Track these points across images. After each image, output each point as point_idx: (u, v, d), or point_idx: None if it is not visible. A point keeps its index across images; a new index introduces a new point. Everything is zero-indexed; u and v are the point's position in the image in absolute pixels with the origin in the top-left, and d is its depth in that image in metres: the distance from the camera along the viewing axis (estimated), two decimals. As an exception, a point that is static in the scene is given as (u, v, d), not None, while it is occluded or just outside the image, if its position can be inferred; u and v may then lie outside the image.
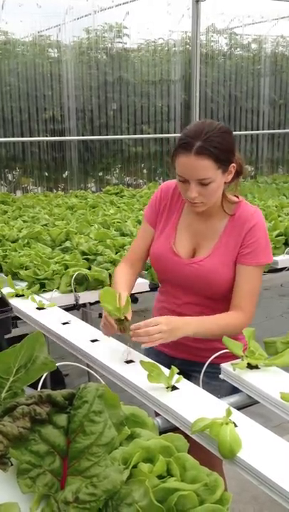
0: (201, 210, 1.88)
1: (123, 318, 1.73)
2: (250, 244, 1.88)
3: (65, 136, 7.21)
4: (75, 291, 2.62)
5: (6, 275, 2.76)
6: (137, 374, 1.66)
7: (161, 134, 7.81)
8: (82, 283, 2.67)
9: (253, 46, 8.60)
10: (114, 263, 2.88)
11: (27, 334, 1.12)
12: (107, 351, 1.83)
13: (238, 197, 1.96)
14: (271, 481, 1.20)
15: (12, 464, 0.93)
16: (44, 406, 0.94)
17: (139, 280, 2.16)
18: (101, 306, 1.76)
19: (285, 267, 3.36)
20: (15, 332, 3.11)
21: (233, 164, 1.83)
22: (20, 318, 2.45)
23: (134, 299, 2.81)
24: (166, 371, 1.60)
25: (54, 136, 7.17)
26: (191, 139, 1.75)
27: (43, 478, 0.89)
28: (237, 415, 1.45)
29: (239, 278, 1.89)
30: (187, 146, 1.75)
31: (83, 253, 3.05)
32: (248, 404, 1.63)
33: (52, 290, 2.62)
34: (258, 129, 8.66)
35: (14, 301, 2.45)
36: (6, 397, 1.04)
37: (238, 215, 1.91)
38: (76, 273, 2.63)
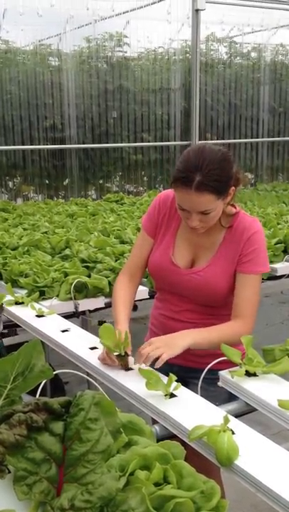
0: (201, 232, 1.89)
1: (124, 353, 1.75)
2: (249, 252, 1.89)
3: (65, 144, 7.23)
4: (75, 298, 2.63)
5: (6, 283, 2.77)
6: (135, 381, 1.66)
7: (162, 141, 7.83)
8: (82, 291, 2.68)
9: (253, 55, 8.62)
10: (113, 271, 2.89)
11: (27, 342, 1.12)
12: (105, 359, 1.83)
13: (235, 207, 1.97)
14: (269, 488, 1.20)
15: (10, 471, 0.94)
16: (40, 413, 0.95)
17: (139, 288, 2.17)
18: (101, 343, 1.77)
19: (284, 275, 3.37)
20: (14, 340, 3.12)
21: (233, 188, 1.83)
22: (19, 326, 2.46)
23: (133, 306, 2.82)
24: (164, 378, 1.60)
25: (54, 144, 7.19)
26: (190, 174, 1.72)
27: (39, 485, 0.90)
28: (235, 423, 1.45)
29: (239, 287, 1.90)
30: (187, 181, 1.73)
31: (83, 261, 3.06)
32: (246, 412, 1.63)
33: (51, 298, 2.63)
34: (257, 137, 8.67)
35: (14, 309, 2.45)
36: (3, 405, 1.04)
37: (235, 226, 1.92)
38: (76, 281, 2.64)
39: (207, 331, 1.82)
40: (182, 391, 1.60)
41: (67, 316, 2.54)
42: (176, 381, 1.57)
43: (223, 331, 1.83)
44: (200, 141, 7.42)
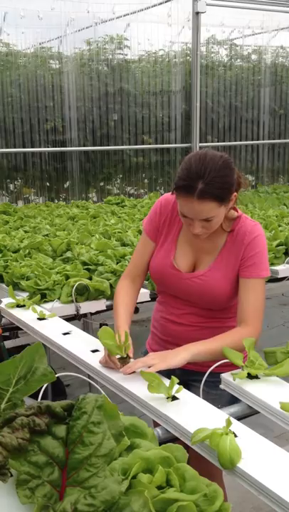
0: (203, 238, 1.88)
1: (125, 356, 1.75)
2: (251, 256, 1.88)
3: (66, 146, 7.24)
4: (76, 301, 2.62)
5: (7, 285, 2.77)
6: (137, 384, 1.66)
7: (162, 144, 7.84)
8: (83, 293, 2.67)
9: (253, 57, 8.63)
10: (115, 273, 2.89)
11: (28, 344, 1.13)
12: (107, 361, 1.82)
13: (237, 210, 1.96)
14: (271, 491, 1.20)
15: (12, 475, 0.94)
16: (43, 417, 0.95)
17: (140, 290, 2.16)
18: (103, 345, 1.77)
19: (286, 277, 3.36)
20: (16, 342, 3.12)
21: (235, 193, 1.82)
22: (21, 329, 2.46)
23: (135, 309, 2.82)
24: (166, 381, 1.60)
25: (55, 147, 7.20)
26: (192, 182, 1.71)
27: (42, 489, 0.89)
28: (237, 425, 1.45)
29: (243, 292, 1.89)
30: (189, 188, 1.72)
31: (84, 263, 3.06)
32: (248, 415, 1.63)
33: (53, 300, 2.63)
34: (258, 139, 8.67)
35: (15, 312, 2.45)
36: (5, 408, 1.04)
37: (237, 230, 1.91)
38: (77, 283, 2.64)
39: (211, 342, 1.78)
40: (184, 394, 1.60)
41: (69, 319, 2.54)
42: (178, 384, 1.57)
43: (229, 338, 1.80)
44: (201, 144, 7.43)
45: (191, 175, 1.73)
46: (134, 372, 1.74)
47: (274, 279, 3.33)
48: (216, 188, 1.71)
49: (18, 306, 2.51)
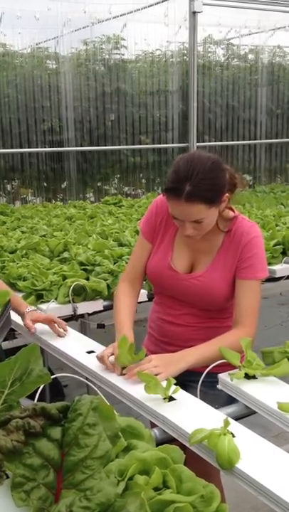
0: (198, 239, 1.88)
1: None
2: (248, 257, 1.87)
3: (63, 147, 7.23)
4: (73, 301, 2.62)
5: (4, 286, 2.76)
6: (133, 385, 1.65)
7: (160, 144, 7.83)
8: (80, 294, 2.67)
9: (250, 56, 8.63)
10: (112, 273, 2.88)
11: (25, 345, 1.12)
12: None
13: (234, 210, 1.95)
14: (270, 491, 1.20)
15: (8, 477, 0.93)
16: (38, 419, 0.94)
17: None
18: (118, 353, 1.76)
19: (283, 276, 3.36)
20: (13, 343, 3.10)
21: (227, 194, 1.81)
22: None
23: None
24: (163, 382, 1.59)
25: (52, 147, 7.19)
26: (180, 184, 1.71)
27: (37, 491, 0.88)
28: (235, 426, 1.44)
29: (239, 293, 1.88)
30: (177, 191, 1.71)
31: (81, 264, 3.05)
32: (246, 415, 1.63)
33: (50, 301, 2.62)
34: (255, 139, 8.68)
35: (12, 313, 2.44)
36: (0, 410, 1.03)
37: (234, 230, 1.90)
38: (74, 284, 2.63)
39: (208, 347, 1.78)
40: (181, 394, 1.59)
41: (66, 320, 2.52)
42: (175, 384, 1.57)
43: (226, 341, 1.79)
44: (198, 144, 7.43)
45: (178, 177, 1.72)
46: None
47: (271, 279, 3.33)
48: (204, 190, 1.71)
49: (14, 306, 2.49)
